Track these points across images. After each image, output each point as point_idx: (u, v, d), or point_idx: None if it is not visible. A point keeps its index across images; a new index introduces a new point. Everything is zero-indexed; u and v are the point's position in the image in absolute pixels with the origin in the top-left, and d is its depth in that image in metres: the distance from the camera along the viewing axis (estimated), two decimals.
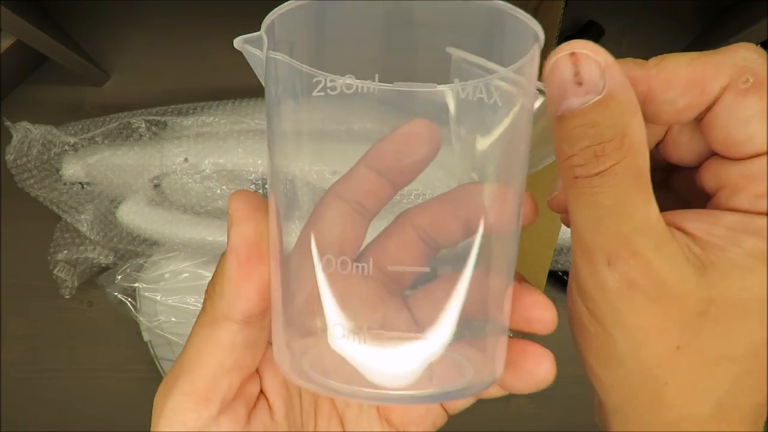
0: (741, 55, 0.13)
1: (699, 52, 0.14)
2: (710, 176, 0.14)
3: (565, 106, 0.13)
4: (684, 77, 0.14)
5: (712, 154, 0.15)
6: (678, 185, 0.17)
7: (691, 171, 0.15)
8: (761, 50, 0.13)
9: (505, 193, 0.15)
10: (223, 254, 0.16)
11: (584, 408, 0.29)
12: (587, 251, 0.14)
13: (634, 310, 0.13)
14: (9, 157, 0.44)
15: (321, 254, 0.15)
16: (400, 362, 0.14)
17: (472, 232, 0.15)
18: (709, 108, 0.14)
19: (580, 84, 0.12)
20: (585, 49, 0.13)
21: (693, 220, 0.14)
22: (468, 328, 0.15)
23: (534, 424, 0.52)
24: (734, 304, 0.13)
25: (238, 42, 0.17)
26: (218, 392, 0.16)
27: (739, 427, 0.14)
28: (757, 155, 0.13)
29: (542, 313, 0.15)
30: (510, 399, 0.52)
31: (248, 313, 0.16)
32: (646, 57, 0.57)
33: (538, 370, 0.16)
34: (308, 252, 0.15)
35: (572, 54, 0.13)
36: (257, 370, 0.18)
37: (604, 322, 0.14)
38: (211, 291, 0.17)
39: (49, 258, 0.47)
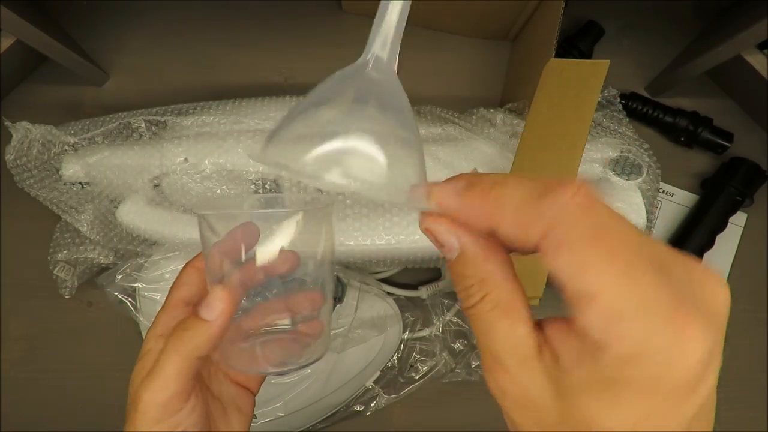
0: (556, 207, 0.15)
1: (528, 191, 0.15)
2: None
3: (441, 252, 0.17)
4: (510, 223, 0.16)
5: None
6: None
7: None
8: (579, 194, 0.14)
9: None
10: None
11: None
12: (481, 359, 0.17)
13: (510, 414, 0.17)
14: (9, 157, 0.44)
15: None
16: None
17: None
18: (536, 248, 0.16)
19: (442, 246, 0.17)
20: (433, 218, 0.17)
21: (559, 335, 0.16)
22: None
23: None
24: (579, 425, 0.15)
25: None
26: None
27: None
28: (581, 301, 0.14)
29: None
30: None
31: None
32: (646, 57, 0.57)
33: None
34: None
35: (426, 229, 0.17)
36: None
37: (505, 415, 0.17)
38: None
39: (49, 258, 0.47)
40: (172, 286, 0.28)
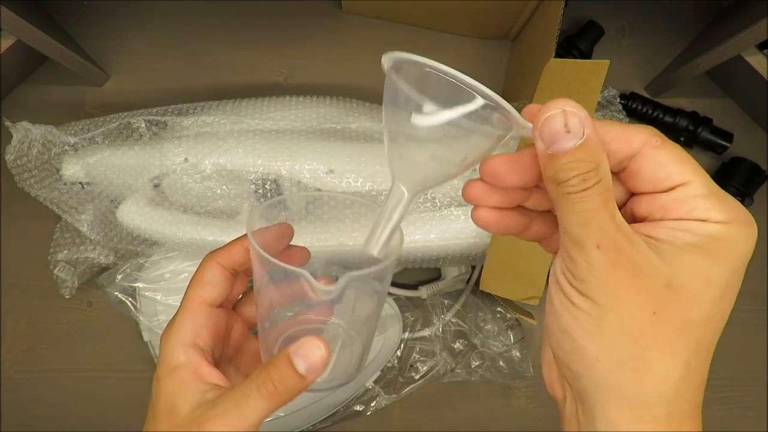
0: (647, 129, 0.19)
1: (622, 123, 0.20)
2: (640, 207, 0.20)
3: (557, 147, 0.18)
4: (618, 133, 0.20)
5: (631, 195, 0.21)
6: None
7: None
8: (657, 131, 0.19)
9: None
10: None
11: None
12: (579, 242, 0.18)
13: (618, 284, 0.18)
14: (9, 157, 0.44)
15: None
16: None
17: None
18: (630, 158, 0.20)
19: (568, 132, 0.18)
20: (571, 106, 0.18)
21: (640, 227, 0.19)
22: None
23: (534, 423, 0.52)
24: (688, 280, 0.18)
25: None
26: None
27: (698, 391, 0.20)
28: (676, 186, 0.19)
29: None
30: (510, 399, 0.52)
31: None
32: (646, 57, 0.57)
33: None
34: None
35: (564, 111, 0.18)
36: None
37: (595, 297, 0.18)
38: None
39: (49, 258, 0.47)
40: (192, 284, 0.26)
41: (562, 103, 0.18)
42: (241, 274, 0.28)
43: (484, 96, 0.21)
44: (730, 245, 0.18)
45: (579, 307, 0.19)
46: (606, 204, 0.18)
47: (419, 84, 0.21)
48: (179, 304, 0.26)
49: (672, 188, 0.19)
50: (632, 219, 0.20)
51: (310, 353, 0.23)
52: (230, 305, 0.29)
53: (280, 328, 0.27)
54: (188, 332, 0.25)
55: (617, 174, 0.21)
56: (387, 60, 0.22)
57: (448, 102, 0.21)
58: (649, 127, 0.20)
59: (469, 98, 0.21)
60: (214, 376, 0.25)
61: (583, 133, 0.18)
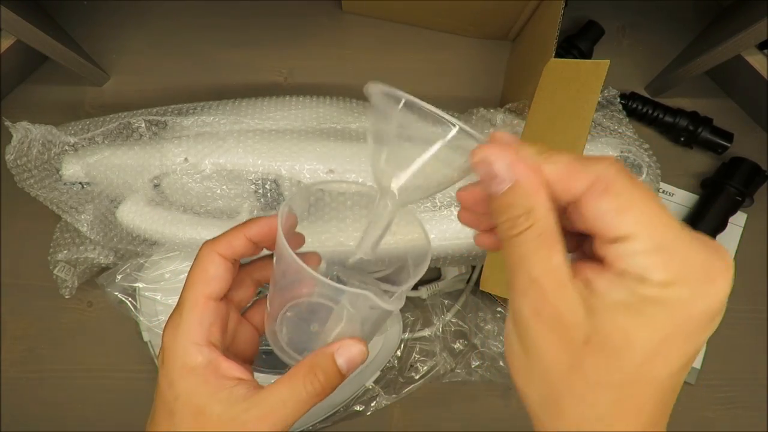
0: (600, 166, 0.18)
1: (576, 156, 0.19)
2: (597, 247, 0.18)
3: (490, 190, 0.19)
4: (561, 173, 0.18)
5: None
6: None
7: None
8: (617, 164, 0.18)
9: None
10: None
11: None
12: (512, 286, 0.19)
13: (540, 333, 0.18)
14: (9, 157, 0.44)
15: None
16: None
17: None
18: (575, 201, 0.18)
19: (496, 177, 0.18)
20: (499, 151, 0.18)
21: (590, 271, 0.18)
22: None
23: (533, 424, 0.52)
24: (608, 340, 0.17)
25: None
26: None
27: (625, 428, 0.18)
28: (618, 240, 0.17)
29: None
30: (510, 399, 0.52)
31: None
32: (646, 57, 0.57)
33: None
34: None
35: (490, 156, 0.18)
36: None
37: (524, 341, 0.18)
38: None
39: (49, 258, 0.47)
40: (195, 279, 0.25)
41: (495, 145, 0.19)
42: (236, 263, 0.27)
43: (460, 127, 0.21)
44: (669, 308, 0.16)
45: (513, 346, 0.19)
46: (539, 249, 0.18)
47: (402, 117, 0.22)
48: (179, 298, 0.25)
49: (615, 240, 0.17)
50: (592, 255, 0.19)
51: (349, 349, 0.24)
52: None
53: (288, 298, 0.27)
54: (198, 331, 0.24)
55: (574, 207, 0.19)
56: (373, 90, 0.22)
57: (425, 134, 0.22)
58: (607, 160, 0.18)
59: (444, 130, 0.21)
60: (234, 370, 0.24)
61: (512, 178, 0.18)
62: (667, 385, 0.17)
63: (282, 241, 0.23)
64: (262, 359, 0.43)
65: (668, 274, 0.16)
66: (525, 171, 0.18)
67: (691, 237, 0.17)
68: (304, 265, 0.22)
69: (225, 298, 0.27)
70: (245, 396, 0.23)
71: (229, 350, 0.28)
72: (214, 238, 0.26)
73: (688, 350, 0.17)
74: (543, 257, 0.18)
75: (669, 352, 0.17)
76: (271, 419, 0.22)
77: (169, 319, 0.25)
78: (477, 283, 0.52)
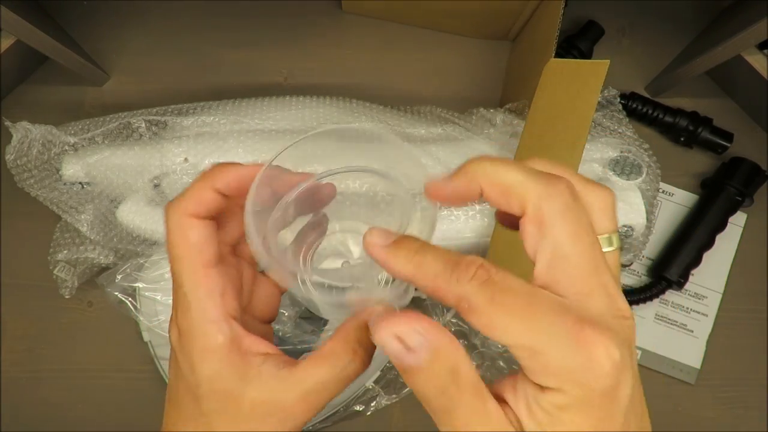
0: (463, 287, 0.17)
1: (443, 265, 0.18)
2: None
3: (402, 362, 0.17)
4: (430, 288, 0.18)
5: None
6: None
7: None
8: (480, 273, 0.17)
9: None
10: None
11: None
12: None
13: None
14: (9, 157, 0.44)
15: None
16: None
17: None
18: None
19: (410, 350, 0.17)
20: (403, 324, 0.17)
21: (513, 397, 0.18)
22: None
23: None
24: None
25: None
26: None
27: None
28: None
29: None
30: None
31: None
32: (647, 57, 0.57)
33: None
34: None
35: (397, 337, 0.17)
36: None
37: None
38: None
39: (49, 258, 0.47)
40: (177, 253, 0.22)
41: (394, 323, 0.17)
42: (228, 214, 0.24)
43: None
44: (581, 398, 0.16)
45: None
46: (473, 403, 0.17)
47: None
48: (174, 279, 0.22)
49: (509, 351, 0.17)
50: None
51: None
52: (230, 249, 0.25)
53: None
54: (211, 306, 0.21)
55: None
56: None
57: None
58: (472, 268, 0.17)
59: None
60: (259, 344, 0.21)
61: (427, 346, 0.17)
62: None
63: (248, 220, 0.21)
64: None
65: (552, 380, 0.16)
66: (441, 333, 0.17)
67: (565, 323, 0.16)
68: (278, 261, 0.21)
69: (232, 251, 0.24)
70: (276, 374, 0.20)
71: (247, 312, 0.24)
72: (178, 198, 0.23)
73: (611, 428, 0.17)
74: (480, 412, 0.17)
75: (599, 426, 0.17)
76: (313, 402, 0.20)
77: (176, 304, 0.22)
78: None
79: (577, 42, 0.57)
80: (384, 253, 0.19)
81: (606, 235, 0.20)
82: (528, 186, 0.18)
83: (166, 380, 0.46)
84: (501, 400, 0.18)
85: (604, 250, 0.19)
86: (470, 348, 0.51)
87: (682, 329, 0.54)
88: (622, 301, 0.18)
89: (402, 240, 0.19)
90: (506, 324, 0.16)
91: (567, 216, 0.17)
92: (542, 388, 0.17)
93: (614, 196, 0.20)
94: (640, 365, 0.52)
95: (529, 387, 0.17)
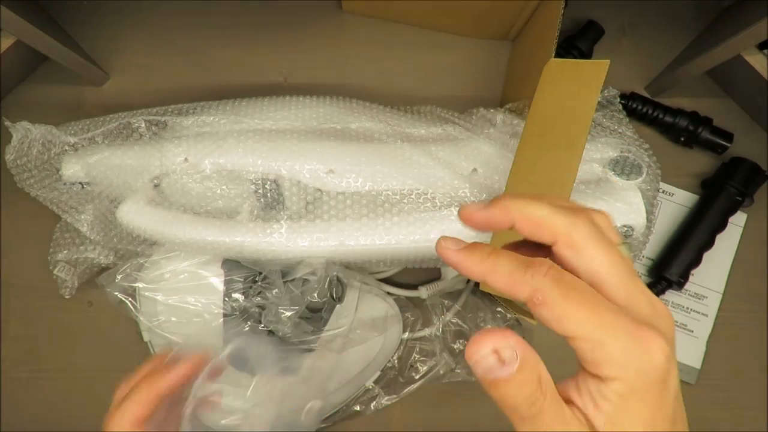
0: (537, 279, 0.19)
1: (517, 263, 0.20)
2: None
3: (495, 375, 0.19)
4: (504, 283, 0.20)
5: None
6: None
7: None
8: (552, 271, 0.19)
9: None
10: None
11: None
12: None
13: None
14: (9, 157, 0.44)
15: None
16: None
17: None
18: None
19: (503, 363, 0.19)
20: (500, 340, 0.19)
21: (576, 392, 0.20)
22: None
23: None
24: None
25: None
26: None
27: None
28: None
29: None
30: None
31: None
32: (646, 57, 0.57)
33: None
34: None
35: (494, 350, 0.19)
36: None
37: None
38: None
39: (49, 258, 0.47)
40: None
41: (491, 338, 0.19)
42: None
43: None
44: (628, 401, 0.19)
45: None
46: (553, 408, 0.19)
47: None
48: None
49: (569, 342, 0.19)
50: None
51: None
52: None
53: None
54: None
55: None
56: None
57: None
58: (542, 269, 0.19)
59: None
60: None
61: (518, 357, 0.19)
62: None
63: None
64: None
65: (614, 368, 0.18)
66: (525, 345, 0.19)
67: (624, 321, 0.19)
68: None
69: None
70: None
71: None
72: (120, 409, 0.30)
73: (662, 415, 0.19)
74: (558, 415, 0.19)
75: (656, 414, 0.19)
76: None
77: None
78: (477, 283, 0.52)
79: (577, 42, 0.57)
80: (458, 255, 0.22)
81: (620, 246, 0.22)
82: (557, 219, 0.21)
83: None
84: (568, 401, 0.20)
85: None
86: None
87: (682, 329, 0.54)
88: (658, 302, 0.20)
89: (475, 244, 0.22)
90: (577, 316, 0.19)
91: (594, 238, 0.20)
92: (604, 379, 0.19)
93: (610, 217, 0.23)
94: None
95: (591, 382, 0.19)
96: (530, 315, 0.42)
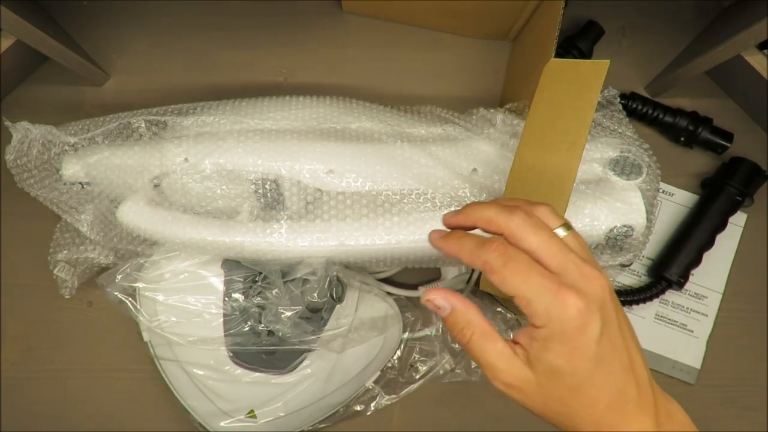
0: (487, 253, 0.26)
1: (477, 240, 0.27)
2: None
3: (439, 314, 0.28)
4: (467, 260, 0.28)
5: None
6: None
7: None
8: (502, 248, 0.26)
9: None
10: None
11: None
12: (483, 370, 0.28)
13: (514, 394, 0.27)
14: (9, 157, 0.44)
15: None
16: None
17: None
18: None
19: (439, 308, 0.28)
20: (434, 294, 0.28)
21: (522, 336, 0.27)
22: None
23: (534, 423, 0.51)
24: (548, 373, 0.26)
25: None
26: None
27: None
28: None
29: None
30: (510, 399, 0.52)
31: None
32: (646, 57, 0.57)
33: None
34: None
35: (428, 299, 0.28)
36: None
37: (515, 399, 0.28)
38: None
39: (49, 258, 0.47)
40: None
41: (434, 293, 0.28)
42: None
43: None
44: (552, 341, 0.25)
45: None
46: (485, 342, 0.27)
47: None
48: None
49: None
50: None
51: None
52: None
53: None
54: None
55: None
56: None
57: None
58: (493, 244, 0.26)
59: None
60: None
61: (449, 305, 0.28)
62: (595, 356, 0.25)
63: None
64: (262, 359, 0.43)
65: (541, 319, 0.25)
66: (455, 299, 0.28)
67: (550, 283, 0.25)
68: None
69: None
70: None
71: None
72: None
73: (582, 356, 0.25)
74: (491, 347, 0.27)
75: (573, 352, 0.25)
76: None
77: None
78: (477, 283, 0.52)
79: (577, 42, 0.57)
80: (439, 240, 0.29)
81: (558, 228, 0.27)
82: (499, 217, 0.27)
83: (166, 380, 0.46)
84: (516, 342, 0.27)
85: (561, 235, 0.27)
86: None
87: (682, 329, 0.54)
88: (588, 268, 0.26)
89: (452, 232, 0.29)
90: (513, 281, 0.25)
91: (527, 226, 0.26)
92: (536, 326, 0.25)
93: (550, 207, 0.28)
94: None
95: (530, 329, 0.26)
96: None
